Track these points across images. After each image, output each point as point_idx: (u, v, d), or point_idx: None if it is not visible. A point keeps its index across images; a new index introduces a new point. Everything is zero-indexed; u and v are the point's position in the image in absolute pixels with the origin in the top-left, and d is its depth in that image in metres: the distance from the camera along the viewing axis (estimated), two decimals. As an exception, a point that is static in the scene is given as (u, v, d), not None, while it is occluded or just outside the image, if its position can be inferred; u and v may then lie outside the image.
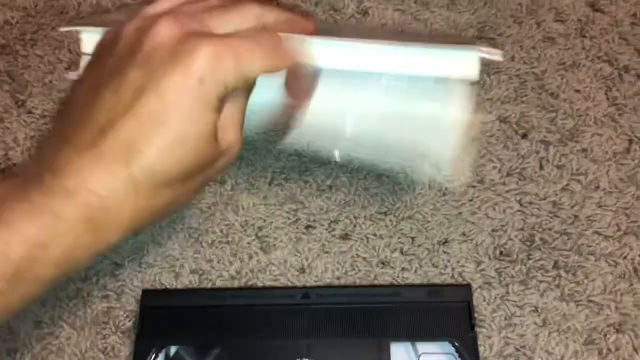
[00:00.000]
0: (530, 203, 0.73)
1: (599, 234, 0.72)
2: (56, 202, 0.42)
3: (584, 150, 0.76)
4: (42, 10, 0.86)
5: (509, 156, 0.76)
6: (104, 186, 0.44)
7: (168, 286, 0.70)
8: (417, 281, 0.70)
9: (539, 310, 0.68)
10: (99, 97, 0.46)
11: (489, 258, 0.71)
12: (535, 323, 0.68)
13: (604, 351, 0.66)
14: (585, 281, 0.69)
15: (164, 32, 0.46)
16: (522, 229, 0.72)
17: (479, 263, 0.71)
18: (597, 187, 0.74)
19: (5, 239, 0.41)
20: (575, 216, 0.73)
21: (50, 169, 0.43)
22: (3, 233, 0.41)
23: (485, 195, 0.74)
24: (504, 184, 0.75)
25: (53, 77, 0.82)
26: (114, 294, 0.70)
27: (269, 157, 0.76)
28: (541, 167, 0.75)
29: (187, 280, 0.71)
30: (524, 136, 0.77)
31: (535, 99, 0.79)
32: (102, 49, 0.53)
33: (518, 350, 0.67)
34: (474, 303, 0.68)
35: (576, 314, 0.68)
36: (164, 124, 0.44)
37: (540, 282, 0.69)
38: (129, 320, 0.69)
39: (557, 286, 0.69)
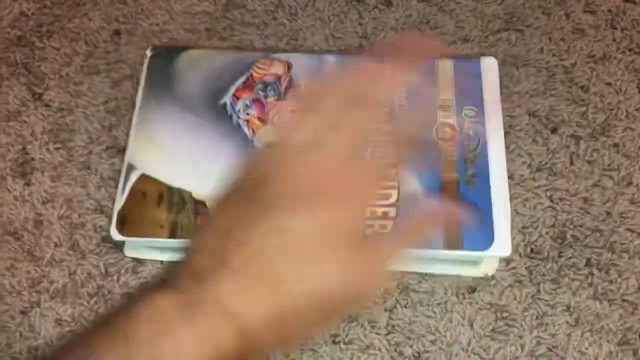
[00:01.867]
0: (561, 199, 0.71)
1: (632, 231, 0.70)
2: (218, 328, 0.40)
3: (615, 145, 0.74)
4: (58, 1, 0.84)
5: (538, 151, 0.74)
6: (255, 312, 0.42)
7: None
8: (446, 282, 0.68)
9: (571, 309, 0.66)
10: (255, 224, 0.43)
11: (520, 256, 0.69)
12: (567, 322, 0.66)
13: (640, 352, 0.64)
14: (619, 279, 0.68)
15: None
16: (553, 225, 0.70)
17: (509, 261, 0.69)
18: (630, 183, 0.72)
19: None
20: (608, 213, 0.71)
21: (209, 290, 0.40)
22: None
23: (514, 191, 0.72)
24: (533, 179, 0.73)
25: (70, 69, 0.80)
26: (135, 291, 0.69)
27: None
28: (572, 163, 0.73)
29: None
30: (554, 130, 0.75)
31: (564, 92, 0.77)
32: (260, 170, 0.47)
33: (550, 350, 0.65)
34: (504, 302, 0.67)
35: (610, 314, 0.66)
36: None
37: (572, 280, 0.68)
38: (152, 319, 0.67)
39: (590, 284, 0.67)
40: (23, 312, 0.68)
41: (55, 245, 0.71)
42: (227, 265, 0.41)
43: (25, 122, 0.77)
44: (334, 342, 0.66)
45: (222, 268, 0.41)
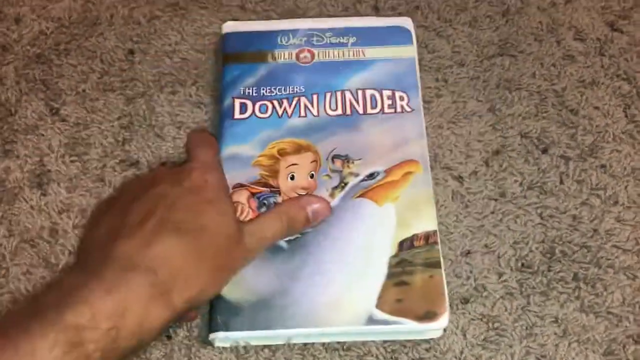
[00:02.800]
0: (550, 216, 0.75)
1: (618, 247, 0.74)
2: (126, 277, 0.55)
3: (603, 165, 0.78)
4: (75, 21, 0.89)
5: (530, 170, 0.78)
6: (161, 258, 0.58)
7: (198, 291, 0.73)
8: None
9: (559, 321, 0.70)
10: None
11: (511, 269, 0.73)
12: (555, 333, 0.69)
13: (623, 362, 0.68)
14: (605, 293, 0.71)
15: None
16: (543, 241, 0.74)
17: (500, 274, 0.72)
18: (616, 202, 0.76)
19: (92, 314, 0.51)
20: (595, 230, 0.75)
21: (111, 257, 0.58)
22: (87, 310, 0.51)
23: (506, 208, 0.76)
24: (525, 197, 0.77)
25: (86, 86, 0.84)
26: (145, 297, 0.72)
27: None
28: (561, 182, 0.77)
29: (216, 286, 0.73)
30: (545, 151, 0.79)
31: (555, 115, 0.82)
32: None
33: (539, 359, 0.68)
34: (495, 313, 0.70)
35: (596, 325, 0.70)
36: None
37: (561, 293, 0.71)
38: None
39: (577, 298, 0.71)
40: (38, 316, 0.72)
41: (70, 252, 0.74)
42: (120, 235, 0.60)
43: (42, 135, 0.81)
44: (333, 349, 0.69)
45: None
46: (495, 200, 0.77)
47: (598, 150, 0.79)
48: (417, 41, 0.86)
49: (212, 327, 0.66)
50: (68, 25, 0.89)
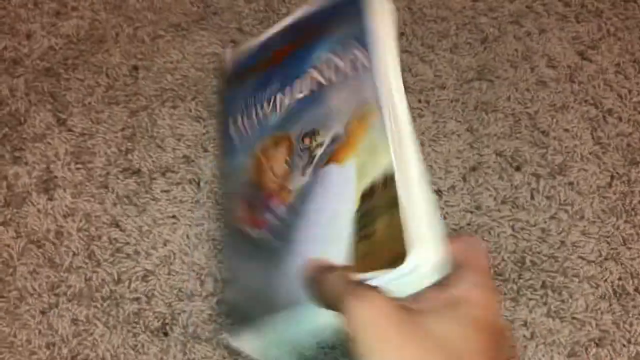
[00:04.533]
0: (522, 229, 0.82)
1: (583, 258, 0.80)
2: None
3: (570, 183, 0.85)
4: (83, 38, 0.95)
5: (503, 186, 0.84)
6: None
7: (194, 292, 0.78)
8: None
9: (528, 324, 0.76)
10: None
11: (484, 276, 0.79)
12: (524, 336, 0.75)
13: (585, 363, 0.74)
14: (570, 300, 0.77)
15: None
16: (514, 251, 0.80)
17: (474, 281, 0.78)
18: (582, 217, 0.83)
19: None
20: (562, 242, 0.81)
21: None
22: None
23: (481, 220, 0.82)
24: (498, 210, 0.83)
25: (92, 99, 0.90)
26: (144, 297, 0.77)
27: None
28: (532, 197, 0.84)
29: (211, 287, 0.78)
30: (517, 169, 0.86)
31: (528, 136, 0.88)
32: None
33: None
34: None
35: (561, 329, 0.76)
36: None
37: (530, 299, 0.77)
38: (158, 321, 0.76)
39: (545, 304, 0.77)
40: (43, 312, 0.77)
41: (74, 254, 0.79)
42: None
43: (50, 144, 0.86)
44: (320, 347, 0.74)
45: None
46: (471, 212, 0.83)
47: (567, 169, 0.86)
48: (401, 65, 0.92)
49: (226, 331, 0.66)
50: (76, 42, 0.94)
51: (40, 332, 0.76)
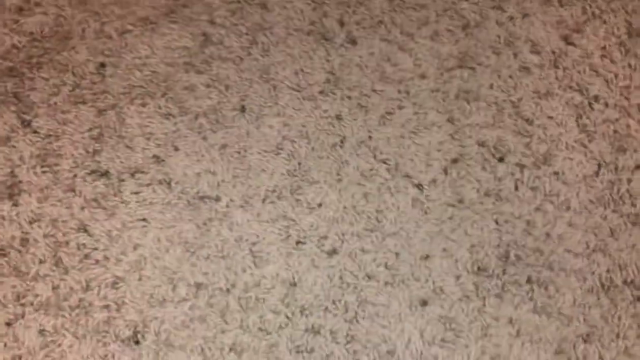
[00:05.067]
0: (506, 222, 0.79)
1: (570, 251, 0.77)
2: None
3: (556, 173, 0.82)
4: (47, 35, 0.91)
5: (486, 178, 0.81)
6: None
7: (166, 298, 0.75)
8: (400, 296, 0.75)
9: (514, 321, 0.73)
10: None
11: (468, 272, 0.76)
12: (509, 333, 0.73)
13: (573, 360, 0.71)
14: (557, 295, 0.75)
15: None
16: (498, 245, 0.77)
17: (458, 277, 0.76)
18: (568, 208, 0.80)
19: None
20: (548, 234, 0.78)
21: None
22: None
23: (464, 214, 0.79)
24: (482, 203, 0.80)
25: (57, 98, 0.86)
26: (114, 304, 0.74)
27: (262, 175, 0.81)
28: (516, 189, 0.81)
29: (183, 292, 0.75)
30: (501, 159, 0.83)
31: (511, 124, 0.85)
32: None
33: (493, 359, 0.71)
34: (453, 315, 0.73)
35: (547, 326, 0.73)
36: None
37: (515, 295, 0.75)
38: (129, 329, 0.73)
39: (530, 299, 0.74)
40: (8, 324, 0.74)
41: (40, 261, 0.76)
42: None
43: (14, 147, 0.83)
44: (297, 352, 0.72)
45: None
46: (454, 206, 0.80)
47: (552, 158, 0.83)
48: (380, 54, 0.89)
49: None
50: (40, 40, 0.91)
51: (5, 345, 0.73)
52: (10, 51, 0.90)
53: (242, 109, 0.85)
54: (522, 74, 0.89)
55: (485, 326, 0.73)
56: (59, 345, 0.72)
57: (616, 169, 0.82)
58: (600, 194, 0.80)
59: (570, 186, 0.81)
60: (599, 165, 0.82)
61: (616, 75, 0.88)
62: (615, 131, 0.84)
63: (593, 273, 0.76)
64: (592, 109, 0.86)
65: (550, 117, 0.86)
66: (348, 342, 0.72)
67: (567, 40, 0.91)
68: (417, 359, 0.71)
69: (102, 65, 0.89)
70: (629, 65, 0.88)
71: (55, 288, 0.75)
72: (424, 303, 0.74)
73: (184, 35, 0.91)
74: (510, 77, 0.89)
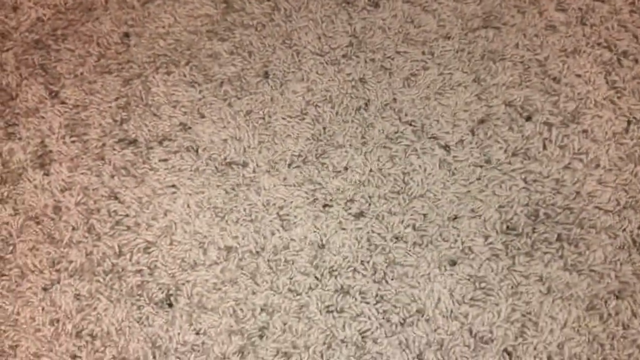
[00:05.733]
0: (534, 181, 0.78)
1: (600, 208, 0.76)
2: None
3: (584, 131, 0.81)
4: (71, 7, 0.91)
5: (514, 137, 0.81)
6: None
7: (197, 261, 0.76)
8: (429, 256, 0.75)
9: (544, 279, 0.73)
10: None
11: (497, 232, 0.76)
12: (540, 291, 0.72)
13: (605, 316, 0.71)
14: (587, 252, 0.74)
15: None
16: (527, 204, 0.77)
17: (486, 237, 0.75)
18: (598, 165, 0.79)
19: None
20: (577, 192, 0.77)
21: None
22: None
23: (492, 174, 0.79)
24: (509, 163, 0.79)
25: (84, 69, 0.87)
26: (147, 268, 0.76)
27: (288, 141, 0.81)
28: (544, 147, 0.80)
29: (214, 256, 0.76)
30: (528, 119, 0.82)
31: (538, 83, 0.84)
32: None
33: (524, 316, 0.71)
34: (482, 274, 0.73)
35: (579, 283, 0.73)
36: None
37: (545, 253, 0.74)
38: (162, 292, 0.74)
39: (561, 257, 0.74)
40: (45, 289, 0.75)
41: (73, 228, 0.78)
42: None
43: (43, 117, 0.84)
44: (327, 312, 0.72)
45: None
46: (481, 167, 0.79)
47: (580, 116, 0.82)
48: (403, 16, 0.88)
49: None
50: (64, 12, 0.91)
51: (43, 309, 0.74)
52: (36, 24, 0.90)
53: (266, 75, 0.85)
54: (548, 32, 0.87)
55: (515, 284, 0.73)
56: (95, 308, 0.74)
57: (647, 125, 0.81)
58: (630, 151, 0.79)
59: (600, 144, 0.80)
60: (629, 122, 0.81)
61: (646, 31, 0.86)
62: (645, 87, 0.83)
63: (624, 230, 0.75)
64: (621, 65, 0.84)
65: (578, 75, 0.84)
66: (377, 302, 0.72)
67: (594, -4, 0.89)
68: (447, 318, 0.72)
69: (126, 35, 0.89)
70: (659, 20, 0.86)
71: (88, 254, 0.76)
72: (453, 263, 0.74)
73: (206, 3, 0.91)
74: (536, 35, 0.87)
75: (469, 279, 0.73)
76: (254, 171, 0.80)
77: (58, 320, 0.74)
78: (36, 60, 0.88)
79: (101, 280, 0.75)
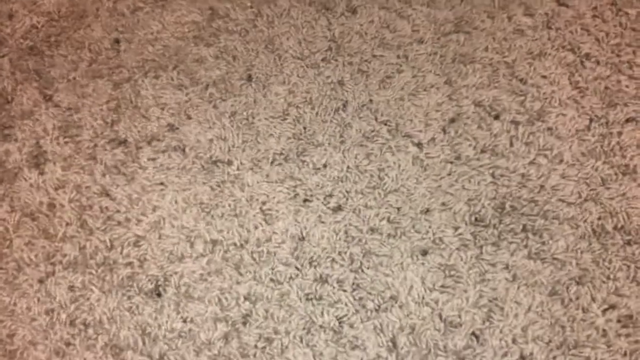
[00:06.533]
0: (501, 175, 0.83)
1: (563, 201, 0.81)
2: None
3: (549, 128, 0.86)
4: (64, 14, 0.96)
5: (483, 135, 0.86)
6: None
7: (184, 254, 0.80)
8: (402, 247, 0.80)
9: (509, 267, 0.78)
10: None
11: (466, 224, 0.80)
12: (506, 278, 0.77)
13: (566, 301, 0.76)
14: (550, 242, 0.79)
15: None
16: (495, 198, 0.82)
17: (456, 228, 0.80)
18: (561, 161, 0.84)
19: None
20: (542, 186, 0.82)
21: None
22: None
23: (462, 170, 0.84)
24: (478, 159, 0.84)
25: (76, 74, 0.92)
26: (137, 261, 0.80)
27: (270, 140, 0.86)
28: (511, 144, 0.85)
29: (200, 249, 0.81)
30: (496, 117, 0.87)
31: (506, 84, 0.89)
32: None
33: (491, 301, 0.76)
34: (452, 262, 0.78)
35: (542, 270, 0.78)
36: None
37: (511, 243, 0.79)
38: (151, 283, 0.79)
39: (525, 246, 0.79)
40: (40, 281, 0.80)
41: (67, 224, 0.82)
42: None
43: (38, 120, 0.89)
44: (307, 299, 0.77)
45: None
46: (452, 163, 0.84)
47: (545, 114, 0.87)
48: (380, 22, 0.93)
49: None
50: (57, 19, 0.96)
51: (39, 299, 0.79)
52: (30, 31, 0.95)
53: (249, 78, 0.90)
54: (516, 36, 0.93)
55: (482, 272, 0.77)
56: (88, 299, 0.78)
57: (607, 123, 0.86)
58: (591, 147, 0.84)
59: (563, 140, 0.85)
60: (591, 120, 0.86)
61: (607, 34, 0.91)
62: (606, 87, 0.88)
63: (585, 221, 0.80)
64: (584, 67, 0.90)
65: (544, 76, 0.89)
66: (354, 290, 0.77)
67: (559, 1, 0.95)
68: (419, 304, 0.76)
69: (117, 41, 0.94)
70: (620, 24, 0.91)
71: (81, 248, 0.81)
72: (425, 253, 0.79)
73: (192, 11, 0.95)
74: (505, 39, 0.92)
75: (439, 268, 0.78)
76: (238, 169, 0.85)
77: (53, 310, 0.78)
78: (31, 66, 0.92)
79: (94, 272, 0.80)
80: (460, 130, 0.86)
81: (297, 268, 0.79)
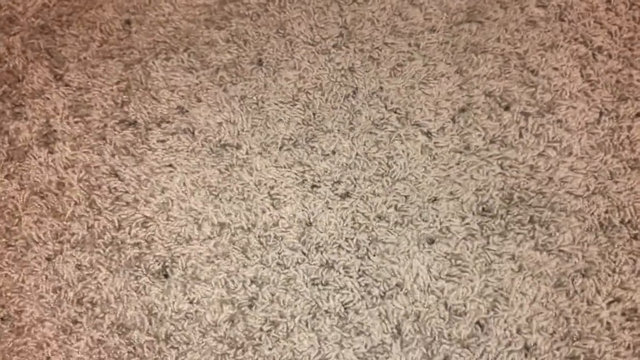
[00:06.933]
0: (510, 166, 0.83)
1: (570, 193, 0.82)
2: None
3: (559, 121, 0.86)
4: (76, -6, 0.96)
5: (492, 126, 0.86)
6: None
7: (192, 236, 0.81)
8: (409, 235, 0.80)
9: (516, 258, 0.78)
10: None
11: (473, 214, 0.81)
12: (512, 269, 0.78)
13: (571, 292, 0.76)
14: (557, 234, 0.79)
15: None
16: (503, 188, 0.82)
17: (463, 218, 0.80)
18: (570, 153, 0.84)
19: None
20: (550, 178, 0.82)
21: None
22: None
23: (470, 160, 0.84)
24: (487, 150, 0.84)
25: (87, 54, 0.92)
26: (144, 242, 0.81)
27: (279, 125, 0.86)
28: (521, 136, 0.85)
29: (208, 231, 0.81)
30: (506, 108, 0.87)
31: (517, 75, 0.89)
32: None
33: (496, 291, 0.77)
34: (458, 252, 0.78)
35: (548, 262, 0.78)
36: None
37: (517, 234, 0.79)
38: (158, 264, 0.79)
39: (532, 238, 0.79)
40: (48, 259, 0.80)
41: (76, 203, 0.82)
42: None
43: (48, 99, 0.89)
44: (313, 284, 0.77)
45: None
46: (460, 153, 0.84)
47: (555, 107, 0.87)
48: (392, 9, 0.93)
49: None
50: (69, -1, 0.96)
51: (47, 277, 0.79)
52: (42, 10, 0.95)
53: (260, 63, 0.90)
54: (529, 27, 0.92)
55: (488, 262, 0.78)
56: (95, 278, 0.79)
57: (617, 116, 0.86)
58: (600, 140, 0.84)
59: (573, 133, 0.85)
60: (601, 113, 0.86)
61: (620, 28, 0.91)
62: (617, 81, 0.88)
63: (592, 213, 0.80)
64: (596, 59, 0.89)
65: (555, 68, 0.89)
66: (360, 276, 0.77)
67: (573, -6, 0.94)
68: (424, 292, 0.77)
69: (128, 22, 0.94)
70: (633, 18, 0.91)
71: (90, 227, 0.81)
72: (431, 241, 0.79)
73: (204, -7, 0.95)
74: (517, 30, 0.92)
75: (445, 257, 0.78)
76: (247, 153, 0.85)
77: (60, 288, 0.79)
78: (42, 45, 0.92)
79: (101, 252, 0.80)
80: (470, 120, 0.86)
81: (303, 253, 0.80)
